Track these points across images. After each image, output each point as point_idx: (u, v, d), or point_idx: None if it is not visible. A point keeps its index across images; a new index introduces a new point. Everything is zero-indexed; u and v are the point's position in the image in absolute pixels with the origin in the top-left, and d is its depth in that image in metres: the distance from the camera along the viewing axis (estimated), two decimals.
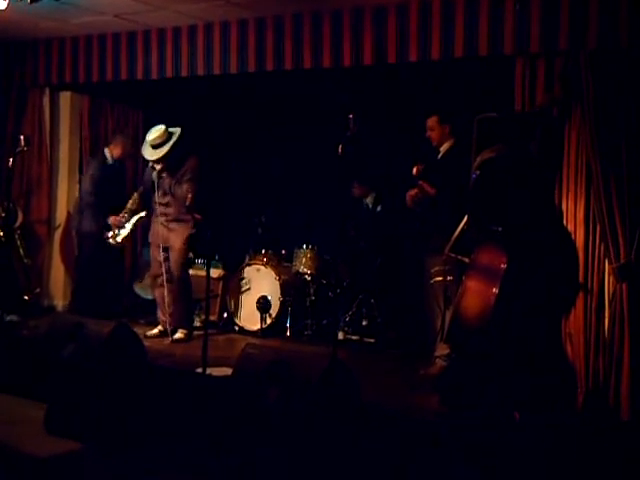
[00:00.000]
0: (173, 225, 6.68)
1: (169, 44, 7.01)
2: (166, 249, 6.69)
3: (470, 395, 4.76)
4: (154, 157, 6.56)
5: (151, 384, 4.40)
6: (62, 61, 7.65)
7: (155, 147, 6.54)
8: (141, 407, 3.99)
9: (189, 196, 6.51)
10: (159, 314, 6.87)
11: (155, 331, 6.83)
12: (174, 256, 6.67)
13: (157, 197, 6.67)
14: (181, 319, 6.76)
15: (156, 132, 6.55)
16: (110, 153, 7.33)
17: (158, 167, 6.61)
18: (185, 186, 6.57)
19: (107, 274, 7.46)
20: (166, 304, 6.73)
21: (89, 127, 7.87)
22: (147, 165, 6.83)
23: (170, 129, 6.61)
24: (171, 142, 6.52)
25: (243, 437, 3.88)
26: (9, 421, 3.78)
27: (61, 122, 8.01)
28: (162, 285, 6.71)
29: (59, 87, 7.91)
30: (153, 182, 6.67)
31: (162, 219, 6.70)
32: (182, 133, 6.58)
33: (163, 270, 6.67)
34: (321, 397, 3.97)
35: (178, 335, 6.71)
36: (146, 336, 6.59)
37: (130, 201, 7.05)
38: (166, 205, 6.68)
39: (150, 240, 6.92)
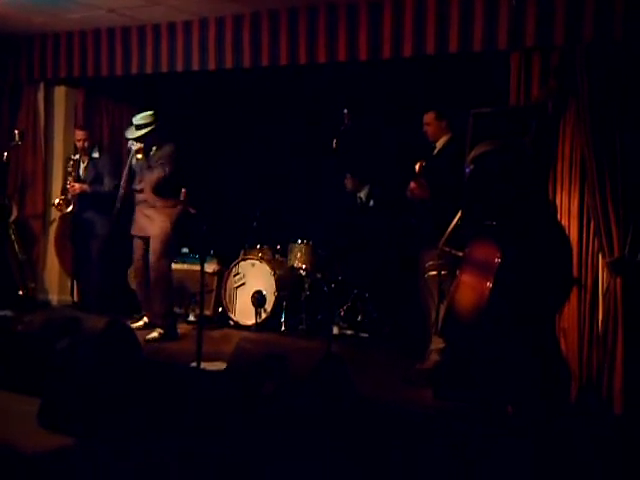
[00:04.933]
0: (150, 212, 6.44)
1: (164, 39, 7.00)
2: (146, 239, 6.47)
3: (463, 389, 4.77)
4: (133, 136, 6.43)
5: (145, 378, 4.39)
6: (57, 56, 7.64)
7: (138, 128, 6.42)
8: (135, 402, 3.98)
9: (159, 178, 6.40)
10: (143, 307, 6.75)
11: (140, 323, 6.66)
12: (152, 245, 6.41)
13: (135, 183, 6.53)
14: (157, 316, 6.51)
15: (143, 115, 6.46)
16: None
17: (138, 154, 6.43)
18: (156, 171, 6.38)
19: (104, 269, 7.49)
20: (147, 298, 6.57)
21: (83, 122, 7.84)
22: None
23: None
24: (154, 125, 6.40)
25: (238, 431, 3.88)
26: (2, 416, 3.78)
27: (55, 117, 8.00)
28: (142, 277, 6.55)
29: (54, 82, 7.90)
30: (133, 169, 6.55)
31: (141, 206, 6.51)
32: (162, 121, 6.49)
33: (142, 262, 6.50)
34: (315, 391, 3.98)
35: (152, 335, 6.41)
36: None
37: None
38: (141, 191, 6.50)
39: (132, 231, 6.63)
